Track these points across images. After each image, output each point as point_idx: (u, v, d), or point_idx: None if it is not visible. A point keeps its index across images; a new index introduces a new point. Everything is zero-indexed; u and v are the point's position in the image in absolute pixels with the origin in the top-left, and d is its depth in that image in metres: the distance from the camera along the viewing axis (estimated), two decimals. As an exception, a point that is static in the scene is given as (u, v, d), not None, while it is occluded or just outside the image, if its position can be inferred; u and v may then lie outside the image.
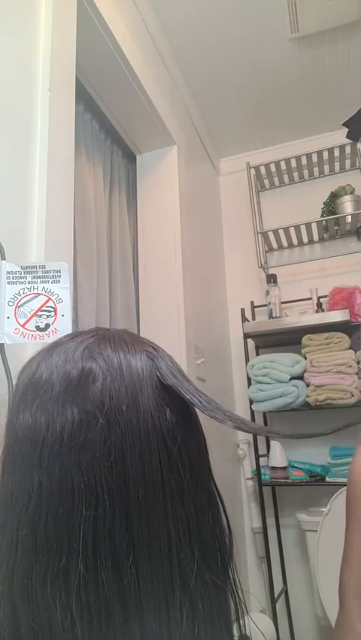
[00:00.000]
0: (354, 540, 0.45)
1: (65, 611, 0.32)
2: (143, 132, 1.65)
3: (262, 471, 1.78)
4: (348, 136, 1.17)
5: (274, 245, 2.18)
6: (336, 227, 2.07)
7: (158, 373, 0.39)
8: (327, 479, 1.69)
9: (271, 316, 1.95)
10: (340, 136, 1.88)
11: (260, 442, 1.86)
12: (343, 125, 1.17)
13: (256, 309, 2.11)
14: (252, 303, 2.12)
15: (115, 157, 1.69)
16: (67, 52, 1.03)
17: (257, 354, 2.00)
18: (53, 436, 0.35)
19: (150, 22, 1.58)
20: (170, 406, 0.38)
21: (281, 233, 2.09)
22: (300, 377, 1.76)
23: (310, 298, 1.94)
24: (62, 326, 0.66)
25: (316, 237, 2.14)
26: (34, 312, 0.66)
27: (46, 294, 0.67)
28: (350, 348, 1.72)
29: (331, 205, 2.04)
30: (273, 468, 1.77)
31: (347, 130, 1.16)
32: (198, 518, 0.37)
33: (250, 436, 1.93)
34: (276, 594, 1.72)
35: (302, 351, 1.80)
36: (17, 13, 0.90)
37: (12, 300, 0.66)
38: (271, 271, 2.09)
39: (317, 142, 2.15)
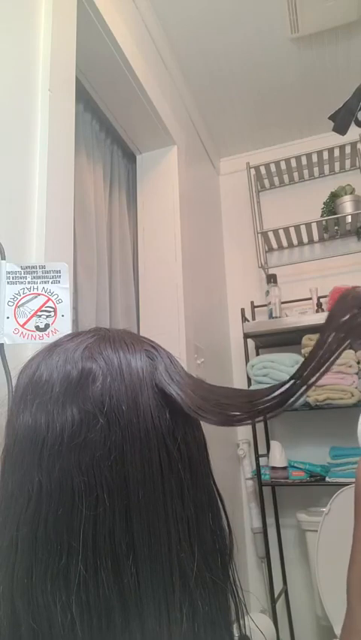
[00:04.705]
0: (358, 541, 0.45)
1: (65, 611, 0.32)
2: (143, 132, 1.65)
3: (262, 471, 1.78)
4: (334, 129, 1.16)
5: (274, 245, 2.18)
6: (336, 227, 2.07)
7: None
8: (327, 479, 1.69)
9: (271, 316, 1.95)
10: (340, 136, 1.88)
11: (260, 442, 1.86)
12: (328, 118, 1.17)
13: (256, 309, 2.11)
14: (252, 303, 2.12)
15: (115, 157, 1.69)
16: (67, 52, 1.03)
17: (257, 354, 2.00)
18: (53, 436, 0.35)
19: (150, 22, 1.58)
20: (170, 406, 0.38)
21: (281, 233, 2.09)
22: (300, 377, 1.76)
23: (310, 298, 1.94)
24: (62, 326, 0.66)
25: (316, 237, 2.14)
26: (33, 312, 0.66)
27: (46, 294, 0.67)
28: (350, 348, 1.72)
29: (331, 205, 2.04)
30: (273, 468, 1.77)
31: (333, 124, 1.16)
32: (198, 518, 0.37)
33: (250, 436, 1.93)
34: (276, 594, 1.72)
35: (302, 351, 1.80)
36: (17, 14, 0.90)
37: (12, 300, 0.66)
38: (271, 271, 2.09)
39: (317, 142, 2.15)
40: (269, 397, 0.35)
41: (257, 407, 0.35)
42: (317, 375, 0.32)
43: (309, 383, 0.33)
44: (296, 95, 2.02)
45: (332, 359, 0.32)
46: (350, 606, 0.43)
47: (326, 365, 0.32)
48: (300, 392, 0.33)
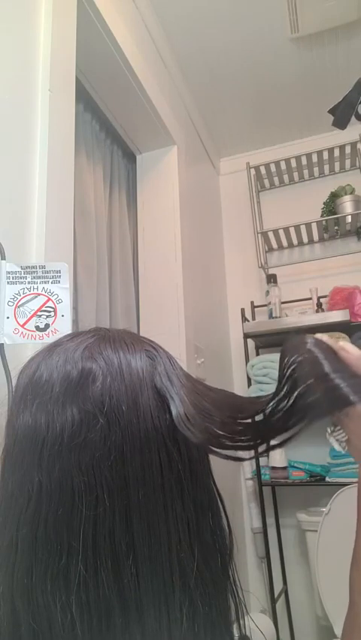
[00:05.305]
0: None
1: (65, 611, 0.32)
2: (143, 132, 1.65)
3: (262, 471, 1.78)
4: (334, 123, 1.15)
5: (274, 245, 2.18)
6: (336, 227, 2.07)
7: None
8: (327, 479, 1.68)
9: (271, 316, 1.95)
10: (340, 136, 1.88)
11: (260, 442, 1.86)
12: (328, 112, 1.15)
13: (256, 309, 2.11)
14: (252, 303, 2.12)
15: (115, 157, 1.69)
16: (67, 52, 1.03)
17: (257, 354, 2.00)
18: (53, 436, 0.35)
19: (150, 22, 1.58)
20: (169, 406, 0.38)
21: (281, 233, 2.08)
22: (300, 377, 1.76)
23: (310, 298, 1.94)
24: (62, 326, 0.66)
25: (316, 237, 2.14)
26: (34, 312, 0.66)
27: (46, 294, 0.67)
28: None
29: (331, 205, 2.04)
30: (273, 468, 1.77)
31: (333, 118, 1.14)
32: (198, 518, 0.37)
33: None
34: (276, 594, 1.72)
35: (302, 351, 1.79)
36: (17, 14, 0.90)
37: (12, 300, 0.66)
38: (271, 271, 2.09)
39: (317, 142, 2.15)
40: (249, 421, 0.38)
41: (235, 428, 0.37)
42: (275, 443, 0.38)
43: (270, 447, 0.38)
44: (296, 95, 2.02)
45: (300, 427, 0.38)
46: (352, 602, 0.44)
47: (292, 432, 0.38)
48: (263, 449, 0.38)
